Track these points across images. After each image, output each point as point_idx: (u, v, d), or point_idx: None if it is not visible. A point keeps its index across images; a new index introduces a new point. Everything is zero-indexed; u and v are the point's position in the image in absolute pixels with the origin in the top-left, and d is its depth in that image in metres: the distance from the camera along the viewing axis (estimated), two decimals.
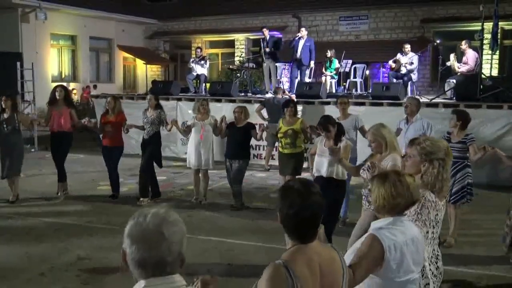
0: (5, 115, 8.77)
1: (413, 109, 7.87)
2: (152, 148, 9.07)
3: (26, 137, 14.37)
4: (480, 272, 5.98)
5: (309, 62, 14.07)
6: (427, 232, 3.31)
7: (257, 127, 9.26)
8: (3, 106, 8.80)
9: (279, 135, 8.60)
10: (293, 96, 12.58)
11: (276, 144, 10.07)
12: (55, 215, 8.15)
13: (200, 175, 9.06)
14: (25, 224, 7.69)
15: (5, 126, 8.71)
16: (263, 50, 14.37)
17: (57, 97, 9.14)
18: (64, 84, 20.79)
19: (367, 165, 4.89)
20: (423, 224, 3.28)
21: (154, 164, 9.23)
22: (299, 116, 9.16)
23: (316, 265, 2.36)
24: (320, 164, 6.15)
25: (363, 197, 5.09)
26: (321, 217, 2.42)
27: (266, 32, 14.57)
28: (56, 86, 9.48)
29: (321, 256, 2.41)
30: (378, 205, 2.95)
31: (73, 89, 21.63)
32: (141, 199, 8.96)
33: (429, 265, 3.35)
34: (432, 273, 3.38)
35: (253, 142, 12.44)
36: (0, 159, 8.95)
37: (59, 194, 9.27)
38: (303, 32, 14.11)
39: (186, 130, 9.02)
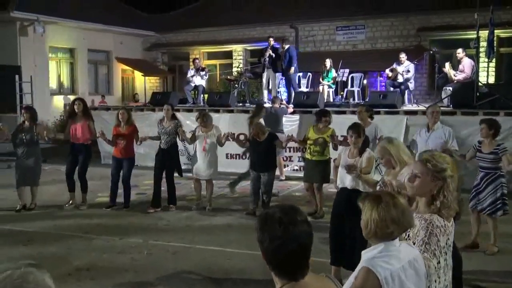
0: (25, 126, 9.02)
1: (437, 117, 7.85)
2: (172, 158, 9.34)
3: None
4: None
5: (290, 69, 14.13)
6: (439, 263, 2.95)
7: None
8: (23, 118, 9.09)
9: (308, 142, 8.72)
10: (290, 107, 12.65)
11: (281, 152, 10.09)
12: (54, 226, 8.17)
13: (201, 182, 9.28)
14: (24, 234, 7.69)
15: (24, 137, 8.93)
16: (267, 59, 14.35)
17: (76, 110, 9.27)
18: (61, 96, 21.01)
19: (381, 182, 4.65)
20: (433, 256, 2.91)
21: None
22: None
23: None
24: (344, 175, 5.94)
25: None
26: (311, 248, 2.08)
27: (272, 40, 14.62)
28: (75, 99, 9.66)
29: None
30: (369, 231, 2.64)
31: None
32: (171, 205, 9.27)
33: None
34: None
35: None
36: (16, 168, 9.15)
37: (75, 203, 9.39)
38: (284, 46, 14.25)
39: (192, 138, 9.24)
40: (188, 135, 9.35)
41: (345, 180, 5.95)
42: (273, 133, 9.10)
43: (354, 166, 5.68)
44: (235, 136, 9.34)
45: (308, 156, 8.87)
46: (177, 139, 9.36)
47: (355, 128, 6.05)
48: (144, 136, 9.46)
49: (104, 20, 22.13)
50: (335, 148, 8.45)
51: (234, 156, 12.30)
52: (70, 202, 9.41)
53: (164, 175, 9.30)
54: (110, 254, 6.78)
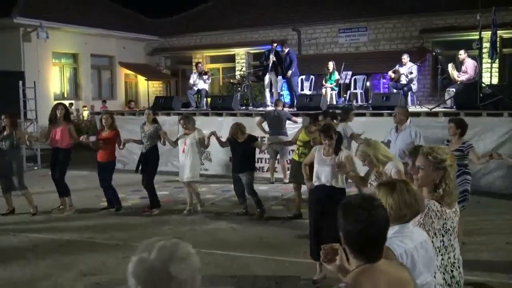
0: (5, 133, 9.04)
1: (401, 118, 7.96)
2: (152, 162, 9.37)
3: (30, 155, 14.51)
4: (484, 278, 5.97)
5: (290, 73, 14.18)
6: (433, 243, 3.16)
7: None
8: (3, 124, 9.08)
9: (298, 143, 8.79)
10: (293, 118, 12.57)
11: (276, 154, 10.09)
12: (59, 232, 8.17)
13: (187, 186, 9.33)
14: (29, 241, 7.69)
15: (3, 143, 8.96)
16: (270, 64, 14.37)
17: (58, 115, 9.28)
18: (66, 102, 21.05)
19: (374, 176, 4.86)
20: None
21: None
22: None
23: (383, 287, 2.21)
24: (321, 172, 6.12)
25: None
26: (387, 232, 2.30)
27: (274, 45, 14.66)
28: (57, 104, 9.64)
29: (389, 275, 2.25)
30: None
31: (84, 106, 21.74)
32: (153, 209, 9.28)
33: (443, 274, 3.29)
34: (446, 282, 3.30)
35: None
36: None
37: (60, 208, 9.38)
38: (284, 49, 14.34)
39: (176, 142, 9.31)
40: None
41: (321, 177, 6.10)
42: (253, 135, 9.19)
43: (343, 163, 5.79)
44: (217, 136, 9.30)
45: (295, 157, 8.92)
46: (159, 143, 9.45)
47: (326, 132, 6.14)
48: (128, 138, 9.62)
49: (107, 25, 22.22)
50: None
51: None
52: (60, 206, 9.44)
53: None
54: (115, 259, 6.77)
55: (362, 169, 6.55)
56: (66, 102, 21.10)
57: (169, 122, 12.84)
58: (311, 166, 6.45)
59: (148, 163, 9.36)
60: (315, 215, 6.07)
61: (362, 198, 2.34)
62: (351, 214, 2.24)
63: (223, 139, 9.53)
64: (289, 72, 14.21)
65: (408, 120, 8.19)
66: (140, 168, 9.45)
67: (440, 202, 3.29)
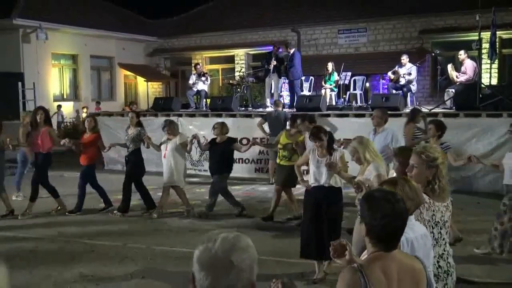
0: None
1: (379, 121, 8.13)
2: (135, 165, 9.37)
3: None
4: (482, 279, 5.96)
5: (297, 75, 14.20)
6: None
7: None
8: None
9: (278, 146, 8.84)
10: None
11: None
12: (58, 233, 8.16)
13: (171, 191, 9.29)
14: (28, 242, 7.68)
15: None
16: (271, 67, 14.38)
17: (38, 120, 9.28)
18: (66, 103, 21.07)
19: (355, 185, 5.03)
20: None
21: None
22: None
23: (394, 273, 2.37)
24: (318, 174, 6.16)
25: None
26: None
27: (277, 48, 14.68)
28: (37, 109, 9.66)
29: (401, 264, 2.42)
30: None
31: (83, 107, 21.72)
32: (150, 211, 9.28)
33: (437, 262, 3.49)
34: (443, 269, 3.54)
35: (255, 156, 12.64)
36: None
37: (59, 209, 9.42)
38: (288, 50, 14.32)
39: (158, 147, 9.29)
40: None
41: (320, 178, 6.14)
42: (232, 138, 9.25)
43: (333, 163, 5.90)
44: (198, 139, 9.32)
45: (277, 160, 9.02)
46: (142, 146, 9.46)
47: (315, 135, 6.19)
48: (114, 143, 9.77)
49: (106, 26, 22.22)
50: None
51: (237, 160, 12.27)
52: (58, 208, 9.46)
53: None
54: (113, 260, 6.77)
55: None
56: (66, 104, 21.39)
57: None
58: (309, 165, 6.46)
59: (131, 166, 9.37)
60: (311, 215, 6.10)
61: (384, 192, 2.53)
62: (376, 207, 2.40)
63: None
64: (295, 74, 14.25)
65: (387, 123, 8.33)
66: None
67: (430, 196, 3.55)
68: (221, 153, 8.93)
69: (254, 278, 1.81)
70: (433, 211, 3.53)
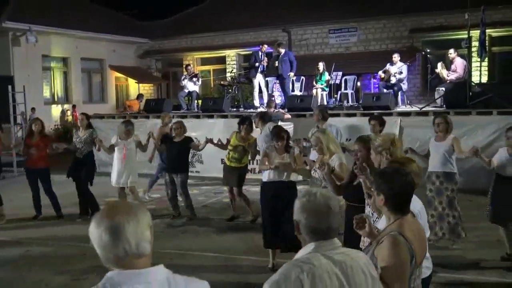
0: None
1: (318, 118, 8.62)
2: (88, 167, 9.32)
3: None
4: (473, 277, 6.00)
5: (288, 74, 14.21)
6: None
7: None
8: None
9: (229, 147, 8.92)
10: (287, 114, 12.59)
11: None
12: (50, 236, 8.13)
13: (126, 192, 9.21)
14: (20, 245, 7.64)
15: None
16: (262, 66, 14.38)
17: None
18: (57, 106, 20.97)
19: (318, 164, 5.25)
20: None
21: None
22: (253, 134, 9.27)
23: (416, 231, 2.86)
24: (275, 170, 6.48)
25: None
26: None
27: (265, 48, 14.68)
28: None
29: (414, 224, 2.92)
30: None
31: (67, 110, 21.67)
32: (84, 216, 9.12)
33: None
34: None
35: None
36: None
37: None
38: (279, 49, 14.32)
39: (111, 148, 9.15)
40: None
41: (278, 174, 6.49)
42: (189, 137, 9.28)
43: (286, 164, 6.38)
44: (154, 137, 9.33)
45: (226, 160, 9.05)
46: (94, 148, 9.38)
47: (278, 135, 6.55)
48: (60, 144, 9.70)
49: (97, 29, 22.13)
50: (253, 158, 8.96)
51: None
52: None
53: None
54: (103, 266, 6.73)
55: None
56: (58, 106, 21.30)
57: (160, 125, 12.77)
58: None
59: (84, 168, 9.24)
60: (271, 210, 6.41)
61: (393, 168, 3.09)
62: (391, 179, 2.87)
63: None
64: (291, 74, 14.27)
65: (328, 119, 8.79)
66: (73, 173, 9.32)
67: None
68: (178, 151, 8.94)
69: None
70: None
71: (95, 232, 1.93)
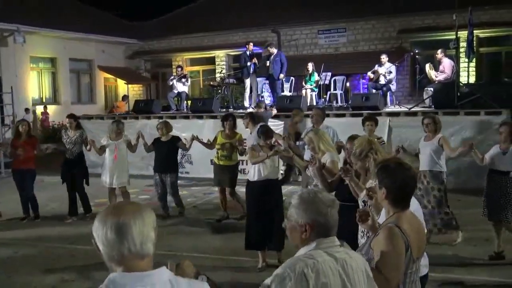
0: None
1: (318, 119, 8.48)
2: (80, 168, 9.30)
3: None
4: (461, 276, 6.04)
5: (279, 75, 14.22)
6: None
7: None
8: None
9: (216, 147, 8.96)
10: (274, 110, 12.68)
11: None
12: (39, 238, 8.09)
13: (116, 192, 9.22)
14: (9, 246, 7.59)
15: None
16: (253, 66, 14.39)
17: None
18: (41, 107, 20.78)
19: (310, 159, 5.39)
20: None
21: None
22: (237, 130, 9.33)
23: (414, 226, 2.89)
24: (263, 168, 6.57)
25: None
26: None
27: (251, 46, 14.69)
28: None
29: (413, 219, 2.94)
30: None
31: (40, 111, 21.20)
32: (72, 217, 9.18)
33: None
34: None
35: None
36: None
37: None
38: (271, 50, 14.36)
39: (102, 149, 9.16)
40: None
41: (264, 172, 6.57)
42: (176, 136, 9.37)
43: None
44: (143, 136, 9.34)
45: (215, 160, 9.09)
46: (84, 149, 9.38)
47: (266, 134, 6.80)
48: (48, 145, 9.56)
49: (85, 29, 22.01)
50: (241, 154, 8.87)
51: None
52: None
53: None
54: (96, 264, 6.69)
55: None
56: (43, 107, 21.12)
57: (150, 126, 12.75)
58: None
59: (76, 169, 9.24)
60: (259, 209, 6.45)
61: (396, 162, 3.00)
62: (394, 173, 2.88)
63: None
64: (281, 75, 14.29)
65: (324, 121, 8.71)
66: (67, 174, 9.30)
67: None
68: (167, 151, 9.01)
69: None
70: None
71: (100, 229, 1.91)
